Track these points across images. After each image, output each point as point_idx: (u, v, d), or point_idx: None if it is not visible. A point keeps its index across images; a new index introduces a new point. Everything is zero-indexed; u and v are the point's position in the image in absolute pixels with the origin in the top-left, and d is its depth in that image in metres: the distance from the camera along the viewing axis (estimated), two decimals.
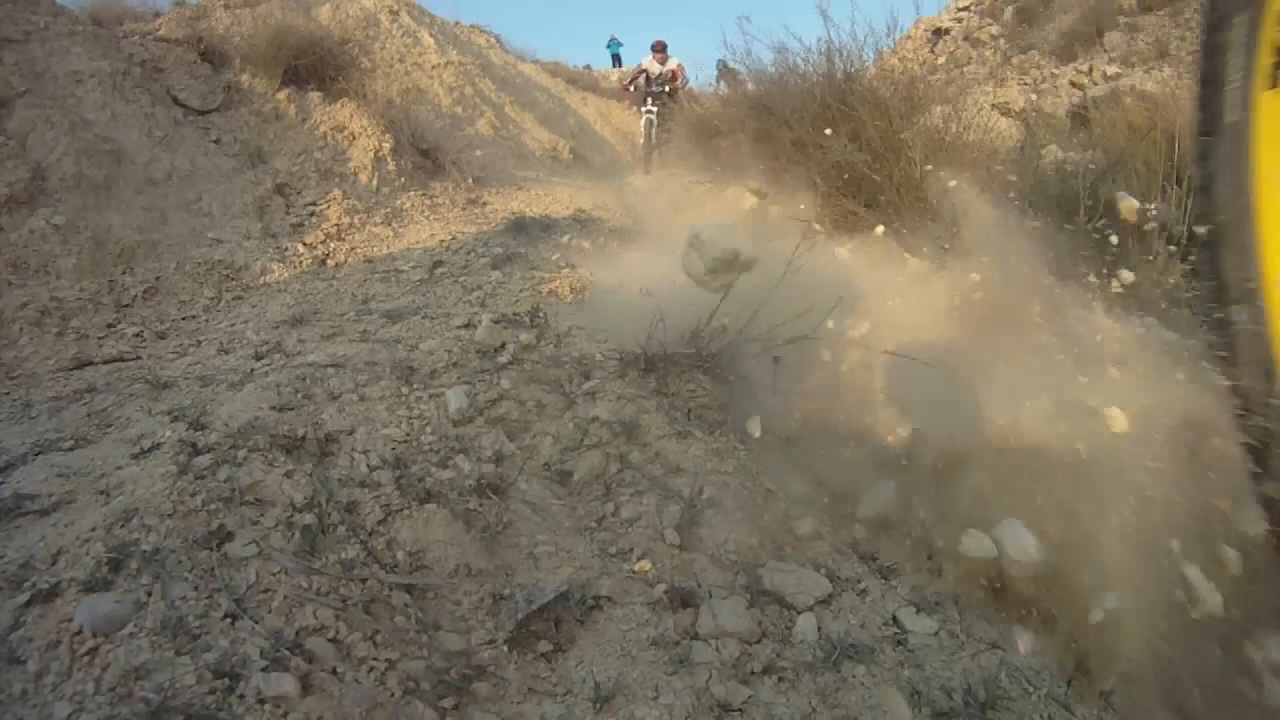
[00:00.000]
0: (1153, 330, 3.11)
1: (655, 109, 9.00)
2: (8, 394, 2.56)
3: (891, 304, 3.11)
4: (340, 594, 1.52)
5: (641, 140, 9.60)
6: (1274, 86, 1.08)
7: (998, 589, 1.90)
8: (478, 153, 6.30)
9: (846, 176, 4.09)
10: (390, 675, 1.39)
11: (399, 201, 4.78)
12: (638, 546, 1.86)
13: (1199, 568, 1.85)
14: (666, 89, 9.01)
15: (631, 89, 9.53)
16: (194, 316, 3.41)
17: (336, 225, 4.30)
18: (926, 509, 2.15)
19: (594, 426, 2.22)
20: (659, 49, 9.19)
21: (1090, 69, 7.34)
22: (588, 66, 16.40)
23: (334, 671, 1.35)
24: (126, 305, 3.35)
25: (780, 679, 1.54)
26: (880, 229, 3.71)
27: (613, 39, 19.98)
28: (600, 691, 1.46)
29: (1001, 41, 9.20)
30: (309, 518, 1.68)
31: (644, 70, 9.25)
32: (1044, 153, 5.11)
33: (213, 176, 4.25)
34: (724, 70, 10.33)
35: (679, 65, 9.25)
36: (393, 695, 1.34)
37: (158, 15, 5.32)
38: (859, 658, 1.60)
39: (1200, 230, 1.26)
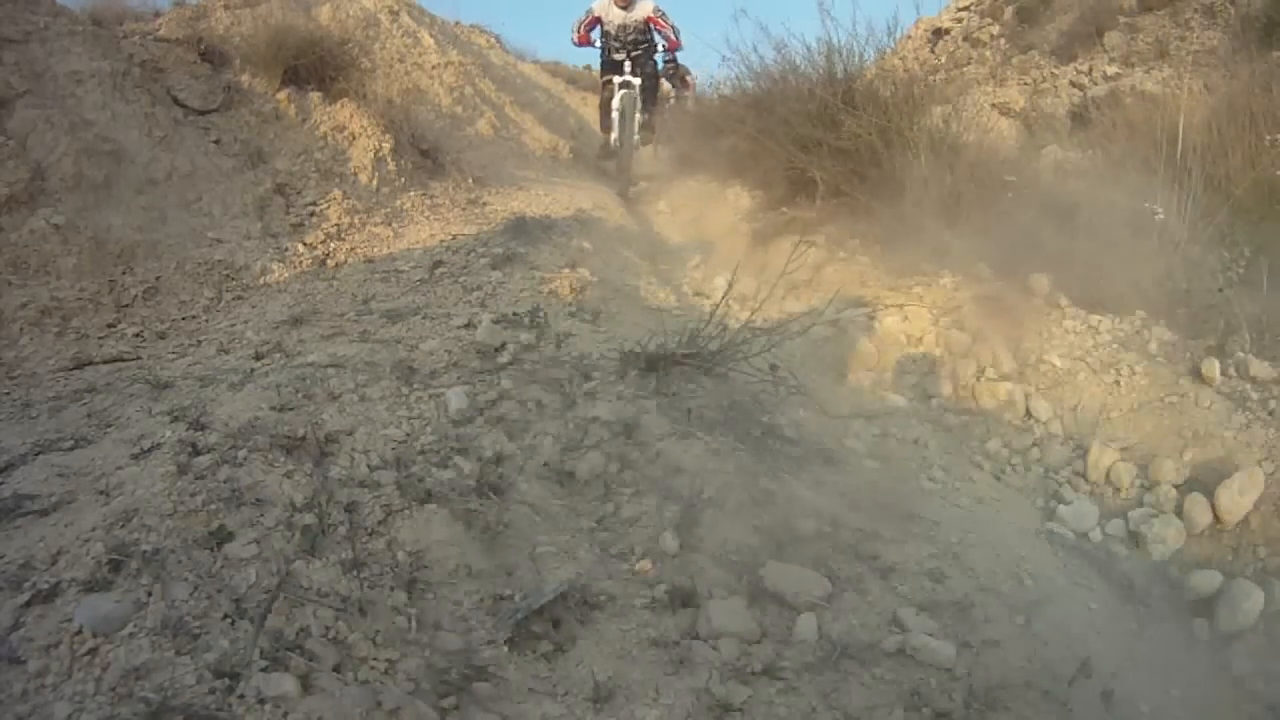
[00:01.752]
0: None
1: (635, 82, 5.75)
2: (8, 394, 2.56)
3: None
4: (340, 594, 1.52)
5: (608, 132, 6.09)
6: None
7: None
8: (477, 153, 6.31)
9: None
10: (391, 675, 1.39)
11: (399, 201, 4.77)
12: (638, 546, 1.85)
13: None
14: (644, 48, 5.78)
15: (596, 44, 5.99)
16: (194, 316, 3.40)
17: (336, 225, 4.29)
18: None
19: (594, 426, 2.22)
20: None
21: (1090, 69, 7.33)
22: (588, 66, 16.36)
23: (334, 671, 1.34)
24: (126, 305, 3.34)
25: (780, 679, 1.54)
26: None
27: None
28: (600, 691, 1.46)
29: (1001, 41, 9.19)
30: (309, 518, 1.68)
31: (596, 18, 5.88)
32: (1044, 153, 5.10)
33: (213, 176, 4.24)
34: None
35: (656, 11, 5.82)
36: (393, 694, 1.34)
37: (158, 15, 5.31)
38: (859, 657, 1.60)
39: None
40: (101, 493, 1.69)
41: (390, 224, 4.50)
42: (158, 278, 3.50)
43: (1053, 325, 3.28)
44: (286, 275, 3.76)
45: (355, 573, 1.57)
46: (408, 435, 2.08)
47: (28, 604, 1.34)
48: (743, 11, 7.42)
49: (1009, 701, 1.55)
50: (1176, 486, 2.61)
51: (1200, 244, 3.39)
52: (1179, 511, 2.55)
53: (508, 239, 4.12)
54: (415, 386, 2.32)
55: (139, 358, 2.93)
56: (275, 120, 4.86)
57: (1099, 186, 3.89)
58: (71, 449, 1.98)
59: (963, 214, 3.80)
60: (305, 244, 4.08)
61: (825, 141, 4.08)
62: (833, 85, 4.24)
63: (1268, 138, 3.52)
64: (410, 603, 1.58)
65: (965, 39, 9.81)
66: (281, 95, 4.98)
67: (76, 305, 3.17)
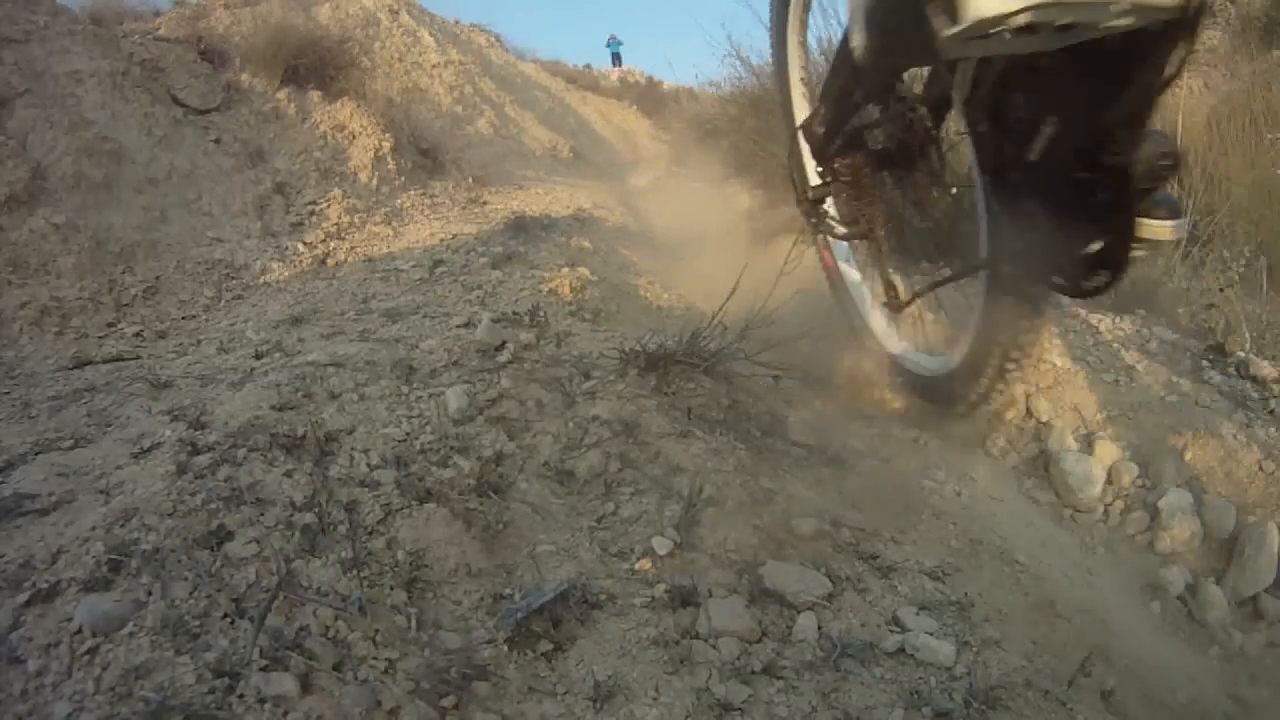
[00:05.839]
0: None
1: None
2: (8, 394, 2.56)
3: None
4: (340, 593, 1.52)
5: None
6: None
7: None
8: (477, 151, 6.31)
9: None
10: (390, 674, 1.39)
11: (399, 201, 4.78)
12: (638, 545, 1.85)
13: None
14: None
15: None
16: (194, 316, 3.41)
17: (336, 224, 4.29)
18: None
19: (594, 425, 2.22)
20: None
21: None
22: (588, 66, 16.40)
23: (334, 670, 1.35)
24: (126, 305, 3.34)
25: (780, 678, 1.54)
26: None
27: (612, 38, 19.98)
28: (600, 690, 1.46)
29: None
30: (309, 517, 1.68)
31: None
32: None
33: (213, 176, 4.25)
34: None
35: None
36: (393, 694, 1.34)
37: (158, 15, 5.32)
38: (859, 656, 1.60)
39: None
40: (101, 492, 1.69)
41: (390, 223, 4.50)
42: (158, 277, 3.50)
43: (1052, 324, 3.28)
44: (286, 274, 3.76)
45: (355, 572, 1.57)
46: (407, 434, 2.08)
47: (27, 603, 1.34)
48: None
49: (1009, 701, 1.55)
50: (1178, 486, 2.61)
51: (1200, 243, 3.39)
52: (1180, 511, 2.55)
53: (508, 238, 4.12)
54: (415, 385, 2.32)
55: (139, 357, 2.93)
56: (275, 119, 4.86)
57: None
58: (71, 448, 1.98)
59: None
60: (305, 243, 4.08)
61: None
62: None
63: (1268, 137, 3.52)
64: (410, 602, 1.58)
65: None
66: (281, 94, 4.98)
67: (76, 305, 3.17)
